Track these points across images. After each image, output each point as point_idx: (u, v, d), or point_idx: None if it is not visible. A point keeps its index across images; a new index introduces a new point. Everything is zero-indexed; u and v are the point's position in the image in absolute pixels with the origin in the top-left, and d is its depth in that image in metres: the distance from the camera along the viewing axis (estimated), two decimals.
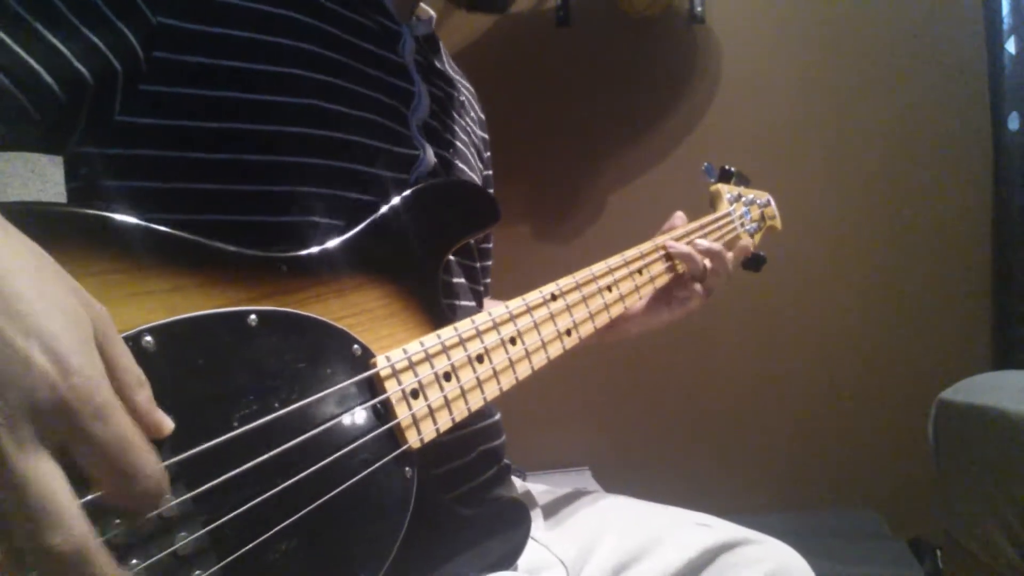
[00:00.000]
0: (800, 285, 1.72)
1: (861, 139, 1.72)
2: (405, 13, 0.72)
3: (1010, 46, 1.66)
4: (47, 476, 0.28)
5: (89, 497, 0.31)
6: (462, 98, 0.82)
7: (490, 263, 0.91)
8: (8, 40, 0.45)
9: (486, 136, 0.91)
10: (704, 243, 0.84)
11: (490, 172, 0.91)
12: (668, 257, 0.82)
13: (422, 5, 0.77)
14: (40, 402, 0.28)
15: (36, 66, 0.46)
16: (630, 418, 1.73)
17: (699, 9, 1.61)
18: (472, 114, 0.85)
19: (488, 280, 0.91)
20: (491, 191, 0.89)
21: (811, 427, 1.74)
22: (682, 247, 0.81)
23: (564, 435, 1.72)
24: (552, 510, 0.77)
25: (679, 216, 0.88)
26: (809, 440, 1.74)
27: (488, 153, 0.91)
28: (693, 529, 0.68)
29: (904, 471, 1.67)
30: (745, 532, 0.68)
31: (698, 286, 0.84)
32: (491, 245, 0.90)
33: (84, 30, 0.48)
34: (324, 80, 0.58)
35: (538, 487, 0.82)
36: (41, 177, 1.12)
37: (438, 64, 0.77)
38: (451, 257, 0.68)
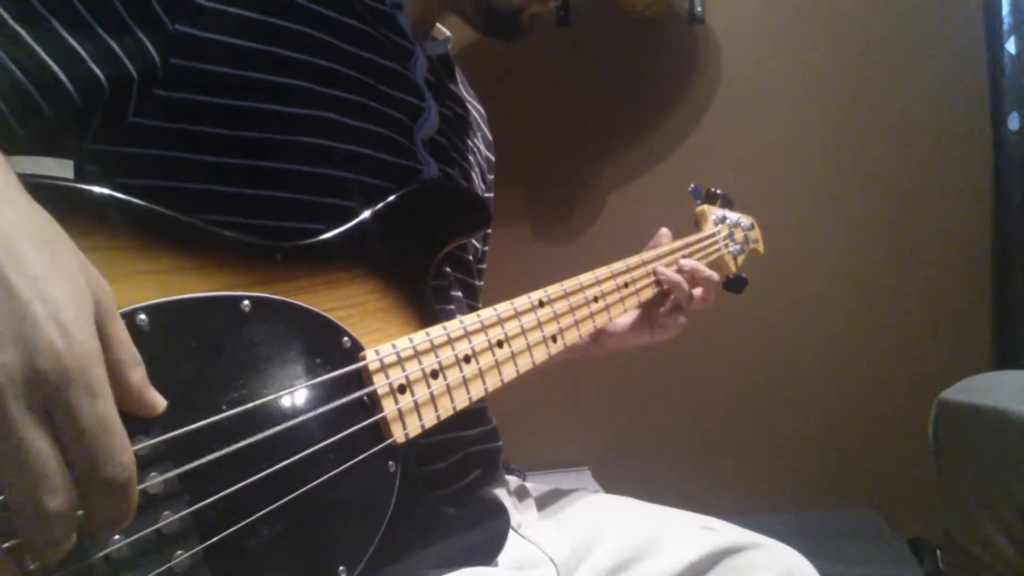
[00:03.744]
0: (800, 285, 1.72)
1: (861, 139, 1.71)
2: (420, 34, 0.73)
3: (1010, 46, 1.65)
4: (44, 438, 0.29)
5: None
6: (471, 118, 0.82)
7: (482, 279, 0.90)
8: (28, 39, 0.45)
9: (492, 157, 0.90)
10: (688, 263, 0.82)
11: (491, 195, 0.89)
12: (655, 276, 0.80)
13: (439, 26, 0.78)
14: (40, 366, 0.29)
15: (54, 67, 0.46)
16: (630, 418, 1.72)
17: (699, 9, 1.60)
18: (480, 135, 0.85)
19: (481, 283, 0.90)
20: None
21: (811, 427, 1.73)
22: (672, 275, 0.80)
23: (564, 435, 1.71)
24: (548, 508, 0.76)
25: (664, 234, 0.86)
26: (809, 440, 1.73)
27: (492, 176, 0.90)
28: (697, 532, 0.67)
29: (904, 471, 1.66)
30: (751, 536, 0.67)
31: (681, 317, 0.82)
32: (484, 266, 0.89)
33: (103, 34, 0.49)
34: (337, 94, 0.59)
35: (536, 485, 0.81)
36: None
37: (451, 85, 0.77)
38: (447, 269, 0.69)
